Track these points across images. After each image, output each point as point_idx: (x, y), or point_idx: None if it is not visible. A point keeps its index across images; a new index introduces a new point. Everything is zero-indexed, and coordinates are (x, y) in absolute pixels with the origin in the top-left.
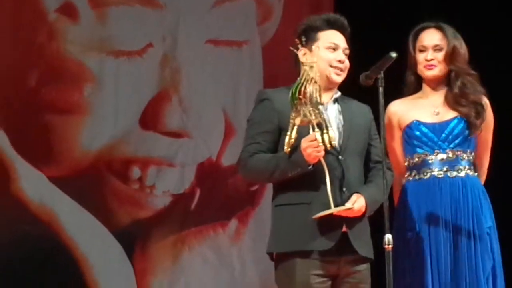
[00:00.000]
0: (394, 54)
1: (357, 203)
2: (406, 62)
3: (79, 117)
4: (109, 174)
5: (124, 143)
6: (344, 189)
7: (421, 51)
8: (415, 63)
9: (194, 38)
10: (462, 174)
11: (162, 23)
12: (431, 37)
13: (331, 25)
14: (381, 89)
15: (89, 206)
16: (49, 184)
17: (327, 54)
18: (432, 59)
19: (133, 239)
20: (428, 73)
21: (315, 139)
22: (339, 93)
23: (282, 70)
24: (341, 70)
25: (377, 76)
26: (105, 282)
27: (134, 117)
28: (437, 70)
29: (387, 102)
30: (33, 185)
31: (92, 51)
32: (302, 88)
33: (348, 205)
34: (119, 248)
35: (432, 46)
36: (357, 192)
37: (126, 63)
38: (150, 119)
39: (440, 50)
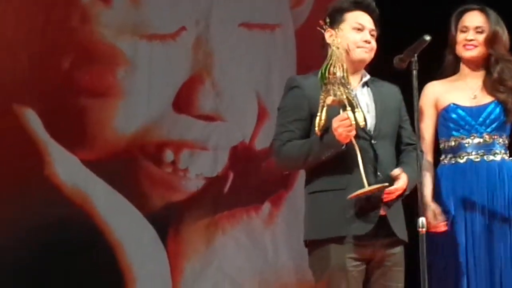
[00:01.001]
0: (428, 37)
1: (400, 180)
2: (440, 46)
3: (113, 100)
4: (142, 158)
5: (157, 127)
6: (378, 173)
7: (462, 31)
8: (455, 43)
9: (227, 22)
10: (498, 158)
11: (196, 6)
12: (473, 19)
13: (358, 6)
14: (414, 72)
15: (123, 189)
16: (82, 168)
17: (353, 34)
18: (472, 39)
19: (167, 223)
20: (467, 53)
21: (346, 118)
22: (368, 76)
23: (315, 54)
24: (368, 50)
25: (410, 59)
26: (138, 265)
27: (168, 100)
28: (476, 51)
29: (420, 85)
30: (67, 168)
31: (125, 34)
32: (331, 68)
33: (385, 183)
34: (153, 232)
35: (473, 27)
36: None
37: (159, 47)
38: (183, 102)
39: (481, 32)
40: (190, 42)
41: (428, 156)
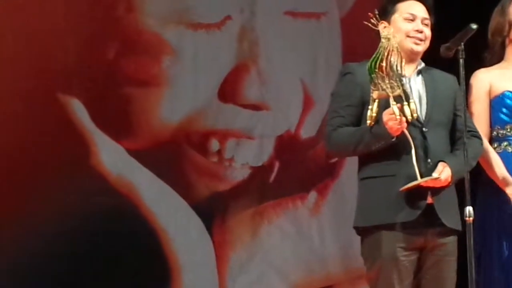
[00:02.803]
0: (474, 26)
1: (443, 173)
2: (486, 34)
3: (158, 90)
4: (188, 147)
5: (203, 116)
6: (429, 160)
7: None
8: (508, 29)
9: (272, 10)
10: None
11: None
12: None
13: None
14: (461, 61)
15: (168, 179)
16: (128, 157)
17: (404, 24)
18: None
19: (212, 212)
20: None
21: (394, 113)
22: (423, 64)
23: (361, 42)
24: (420, 39)
25: (457, 47)
26: (184, 255)
27: (213, 89)
28: None
29: (467, 74)
30: (112, 158)
31: (170, 24)
32: (378, 62)
33: (435, 175)
34: (198, 221)
35: None
36: (443, 161)
37: (204, 36)
38: (228, 91)
39: None
40: (235, 31)
41: (486, 142)
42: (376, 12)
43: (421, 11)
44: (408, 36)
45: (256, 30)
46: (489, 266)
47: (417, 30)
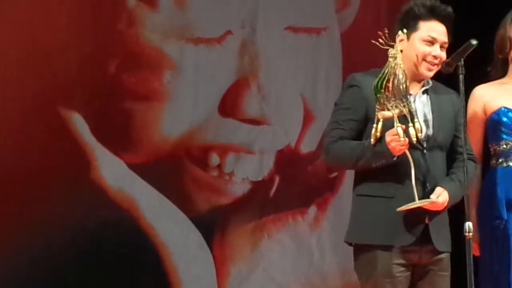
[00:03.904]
0: (475, 42)
1: (441, 197)
2: (486, 50)
3: (159, 104)
4: (188, 161)
5: (203, 130)
6: (427, 183)
7: None
8: (509, 46)
9: (273, 25)
10: None
11: (241, 10)
12: None
13: (434, 14)
14: (461, 77)
15: (168, 193)
16: (128, 171)
17: (423, 47)
18: None
19: (212, 226)
20: None
21: (397, 134)
22: (431, 84)
23: (361, 57)
24: (434, 65)
25: (457, 63)
26: (184, 269)
27: (213, 104)
28: None
29: (467, 89)
30: (113, 172)
31: (171, 38)
32: (385, 82)
33: (433, 197)
34: (198, 235)
35: None
36: (441, 186)
37: (205, 51)
38: (229, 106)
39: None
40: (236, 46)
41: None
42: (386, 31)
43: (442, 34)
44: (424, 60)
45: (256, 45)
46: (484, 282)
47: (434, 56)
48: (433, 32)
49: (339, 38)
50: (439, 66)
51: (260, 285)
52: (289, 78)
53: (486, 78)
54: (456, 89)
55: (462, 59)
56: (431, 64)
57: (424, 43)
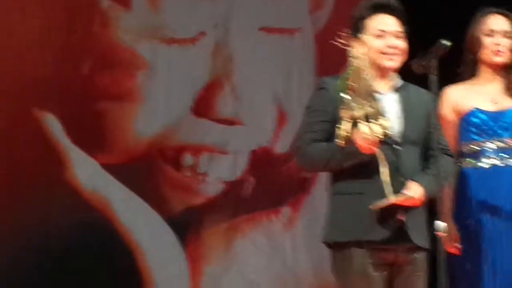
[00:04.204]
0: (446, 42)
1: (415, 191)
2: (459, 50)
3: (132, 105)
4: (162, 161)
5: (176, 131)
6: (401, 178)
7: (487, 35)
8: (478, 46)
9: (247, 26)
10: None
11: (215, 11)
12: (499, 22)
13: (377, 9)
14: (433, 77)
15: (142, 193)
16: (102, 172)
17: (376, 42)
18: (500, 44)
19: (186, 226)
20: (497, 59)
21: (363, 132)
22: (399, 81)
23: (335, 58)
24: (394, 54)
25: (429, 63)
26: (158, 269)
27: (187, 104)
28: (505, 57)
29: (438, 90)
30: (87, 172)
31: (144, 39)
32: (348, 82)
33: (406, 193)
34: (172, 235)
35: (500, 31)
36: (414, 180)
37: (178, 51)
38: (202, 106)
39: (508, 37)
40: (210, 47)
41: None
42: (347, 32)
43: (391, 25)
44: (381, 53)
45: (230, 46)
46: (458, 282)
47: (389, 46)
48: (380, 25)
49: (313, 39)
50: (402, 56)
51: (234, 285)
52: (262, 79)
53: (457, 78)
54: (429, 89)
55: (434, 60)
56: (389, 55)
57: (376, 37)
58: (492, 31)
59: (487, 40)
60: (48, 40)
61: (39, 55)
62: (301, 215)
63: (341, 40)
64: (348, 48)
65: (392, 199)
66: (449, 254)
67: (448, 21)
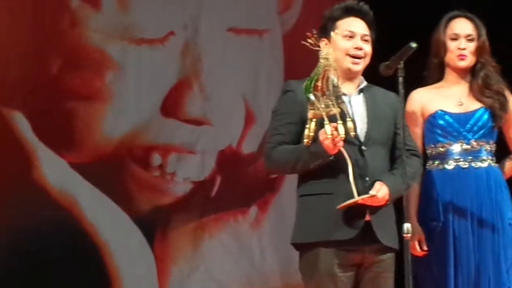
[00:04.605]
0: (414, 45)
1: (380, 191)
2: (426, 53)
3: (101, 104)
4: (130, 161)
5: (145, 130)
6: (366, 178)
7: (452, 39)
8: (443, 50)
9: (216, 27)
10: (485, 164)
11: (184, 11)
12: (463, 26)
13: (349, 12)
14: (401, 79)
15: (110, 192)
16: (70, 171)
17: (344, 42)
18: (464, 49)
19: (154, 226)
20: (461, 63)
21: (329, 132)
22: (365, 83)
23: (302, 59)
24: (359, 57)
25: (397, 66)
26: (125, 268)
27: (156, 104)
28: (469, 61)
29: (406, 92)
30: (55, 171)
31: (114, 39)
32: (314, 81)
33: (372, 192)
34: (140, 235)
35: (464, 35)
36: (380, 180)
37: (148, 51)
38: (171, 106)
39: (472, 40)
40: (179, 47)
41: None
42: (315, 32)
43: (360, 28)
44: (347, 55)
45: (199, 46)
46: (424, 284)
47: (356, 48)
48: (350, 26)
49: (281, 40)
50: (366, 59)
51: (201, 285)
52: (231, 79)
53: (423, 81)
54: (396, 91)
55: (402, 62)
56: (355, 57)
57: (345, 38)
58: (456, 35)
59: (451, 44)
60: (16, 39)
61: (7, 53)
62: (269, 216)
63: (310, 40)
64: (317, 49)
65: (357, 198)
66: (416, 256)
67: (414, 24)
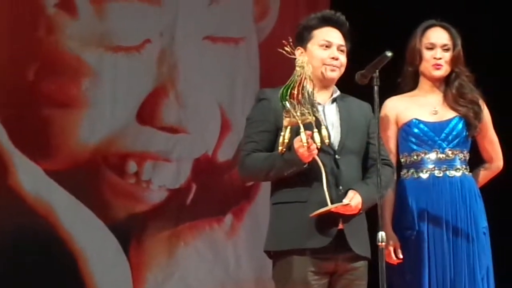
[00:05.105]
0: (389, 53)
1: (353, 200)
2: (401, 61)
3: (77, 111)
4: (105, 168)
5: (121, 138)
6: (340, 187)
7: (428, 48)
8: (419, 59)
9: (192, 35)
10: (460, 173)
11: (160, 19)
12: (439, 36)
13: (325, 22)
14: (376, 88)
15: (86, 199)
16: (46, 178)
17: (320, 52)
18: (440, 58)
19: (129, 233)
20: (436, 73)
21: (303, 140)
22: (338, 93)
23: (279, 67)
24: (336, 66)
25: (372, 75)
26: (100, 275)
27: (131, 112)
28: (444, 70)
29: (382, 101)
30: (30, 178)
31: (90, 46)
32: (290, 89)
33: (345, 201)
34: (115, 242)
35: (440, 45)
36: (353, 189)
37: (124, 59)
38: (147, 114)
39: (447, 50)
40: (155, 55)
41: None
42: (290, 40)
43: (337, 38)
44: (324, 64)
45: (175, 54)
46: None
47: (333, 58)
48: (327, 36)
49: (257, 48)
50: (341, 69)
51: None
52: (207, 87)
53: (397, 90)
54: (371, 100)
55: (377, 71)
56: (332, 66)
57: (321, 48)
58: (432, 44)
59: (427, 54)
60: None
61: None
62: (244, 224)
63: (286, 48)
64: (292, 57)
65: (330, 207)
66: (390, 264)
67: (389, 33)
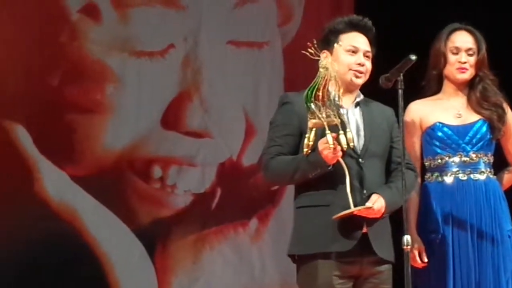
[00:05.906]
0: (413, 57)
1: (376, 203)
2: (425, 65)
3: (102, 117)
4: (130, 173)
5: (145, 143)
6: (364, 191)
7: (453, 53)
8: (443, 62)
9: (216, 39)
10: (484, 177)
11: (184, 24)
12: (464, 39)
13: (353, 27)
14: (400, 91)
15: (111, 205)
16: (71, 183)
17: (347, 57)
18: (465, 62)
19: (154, 238)
20: (460, 76)
21: (327, 142)
22: (362, 97)
23: (303, 71)
24: (361, 72)
25: (396, 78)
26: (126, 280)
27: (156, 117)
28: (468, 74)
29: (406, 104)
30: (56, 184)
31: (114, 51)
32: (315, 91)
33: (368, 204)
34: (140, 247)
35: (465, 49)
36: (376, 193)
37: (148, 64)
38: (171, 119)
39: (472, 54)
40: (179, 59)
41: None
42: (315, 42)
43: (363, 44)
44: (350, 69)
45: (199, 59)
46: None
47: (359, 64)
48: (354, 42)
49: (281, 52)
50: (367, 75)
51: None
52: (231, 92)
53: (421, 93)
54: (395, 103)
55: (401, 74)
56: (358, 72)
57: (348, 53)
58: (457, 48)
59: (452, 57)
60: (18, 52)
61: (8, 67)
62: (269, 228)
63: (310, 50)
64: (316, 58)
65: (353, 209)
66: (415, 268)
67: (412, 37)
